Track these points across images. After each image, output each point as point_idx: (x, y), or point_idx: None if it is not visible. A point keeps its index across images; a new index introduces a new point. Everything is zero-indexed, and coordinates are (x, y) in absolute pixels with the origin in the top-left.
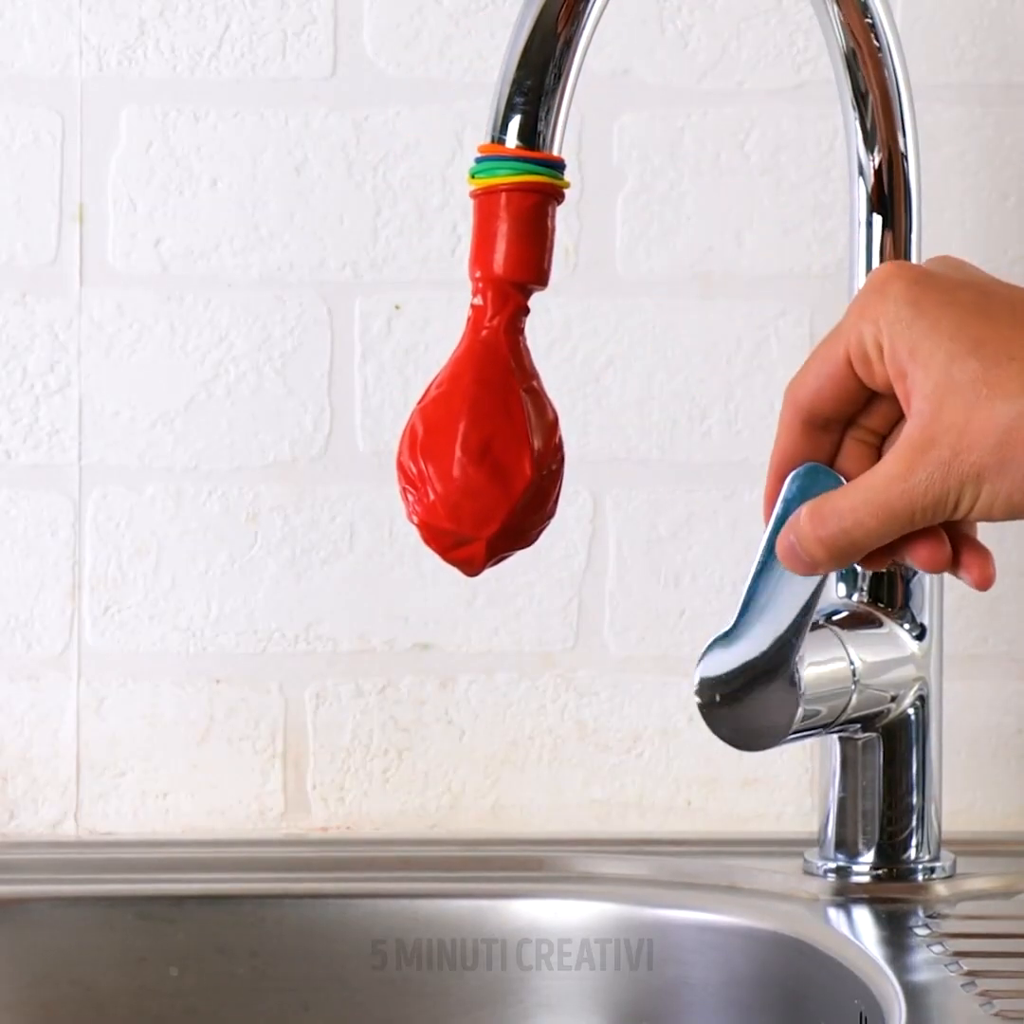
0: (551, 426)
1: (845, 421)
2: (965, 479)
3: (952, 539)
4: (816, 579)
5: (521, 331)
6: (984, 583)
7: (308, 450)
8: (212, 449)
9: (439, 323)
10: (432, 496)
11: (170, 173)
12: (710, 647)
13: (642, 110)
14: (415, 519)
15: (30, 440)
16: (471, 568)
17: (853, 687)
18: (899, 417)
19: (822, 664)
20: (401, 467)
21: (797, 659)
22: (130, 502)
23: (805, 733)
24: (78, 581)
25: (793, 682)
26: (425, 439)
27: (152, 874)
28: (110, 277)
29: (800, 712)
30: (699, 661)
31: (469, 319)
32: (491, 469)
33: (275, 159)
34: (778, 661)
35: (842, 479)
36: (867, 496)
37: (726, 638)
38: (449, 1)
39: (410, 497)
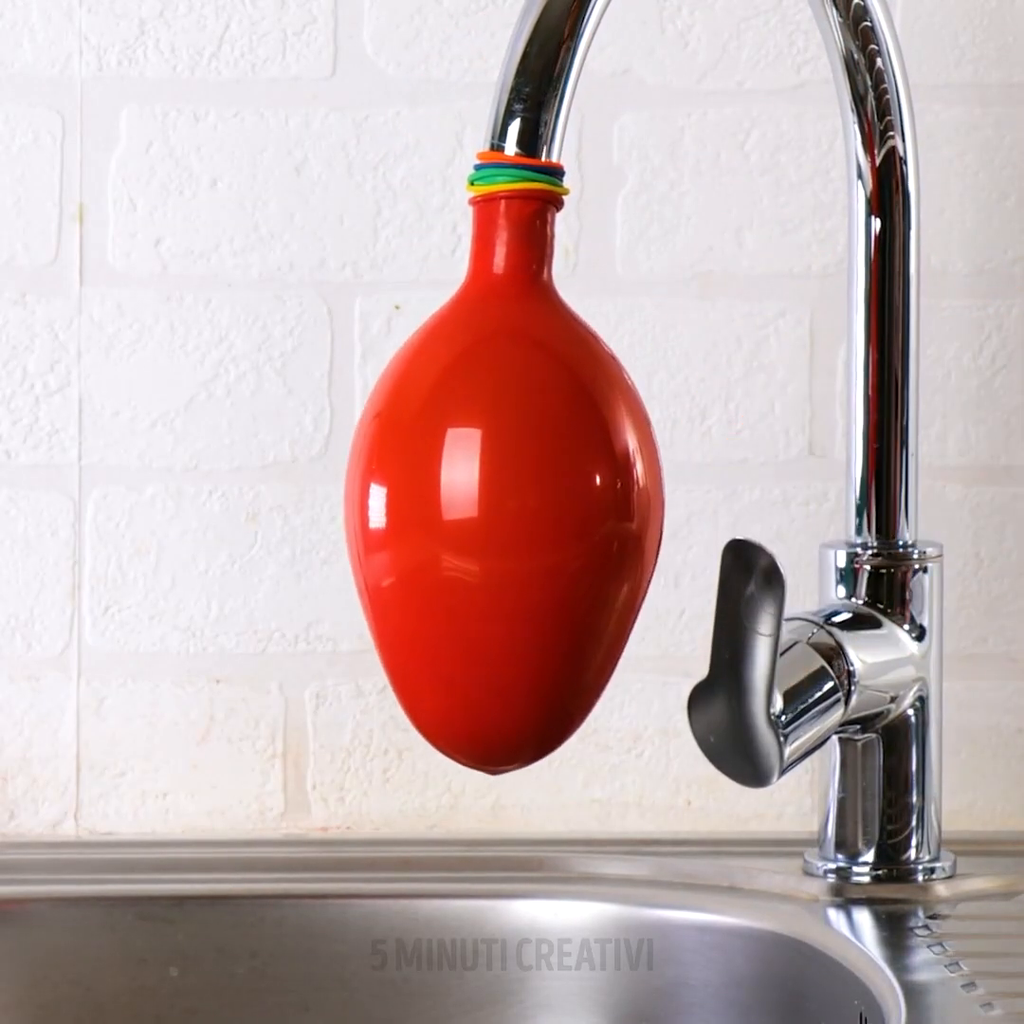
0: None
1: None
2: None
3: None
4: (773, 629)
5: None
6: None
7: (308, 450)
8: (212, 449)
9: None
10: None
11: (170, 173)
12: (693, 696)
13: (642, 110)
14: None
15: (30, 440)
16: None
17: (841, 705)
18: None
19: (806, 691)
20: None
21: (773, 708)
22: (130, 502)
23: (804, 757)
24: (78, 581)
25: (773, 726)
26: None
27: (152, 874)
28: (110, 277)
29: (787, 752)
30: (687, 708)
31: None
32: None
33: (275, 159)
34: (755, 710)
35: (768, 552)
36: None
37: (705, 688)
38: (449, 1)
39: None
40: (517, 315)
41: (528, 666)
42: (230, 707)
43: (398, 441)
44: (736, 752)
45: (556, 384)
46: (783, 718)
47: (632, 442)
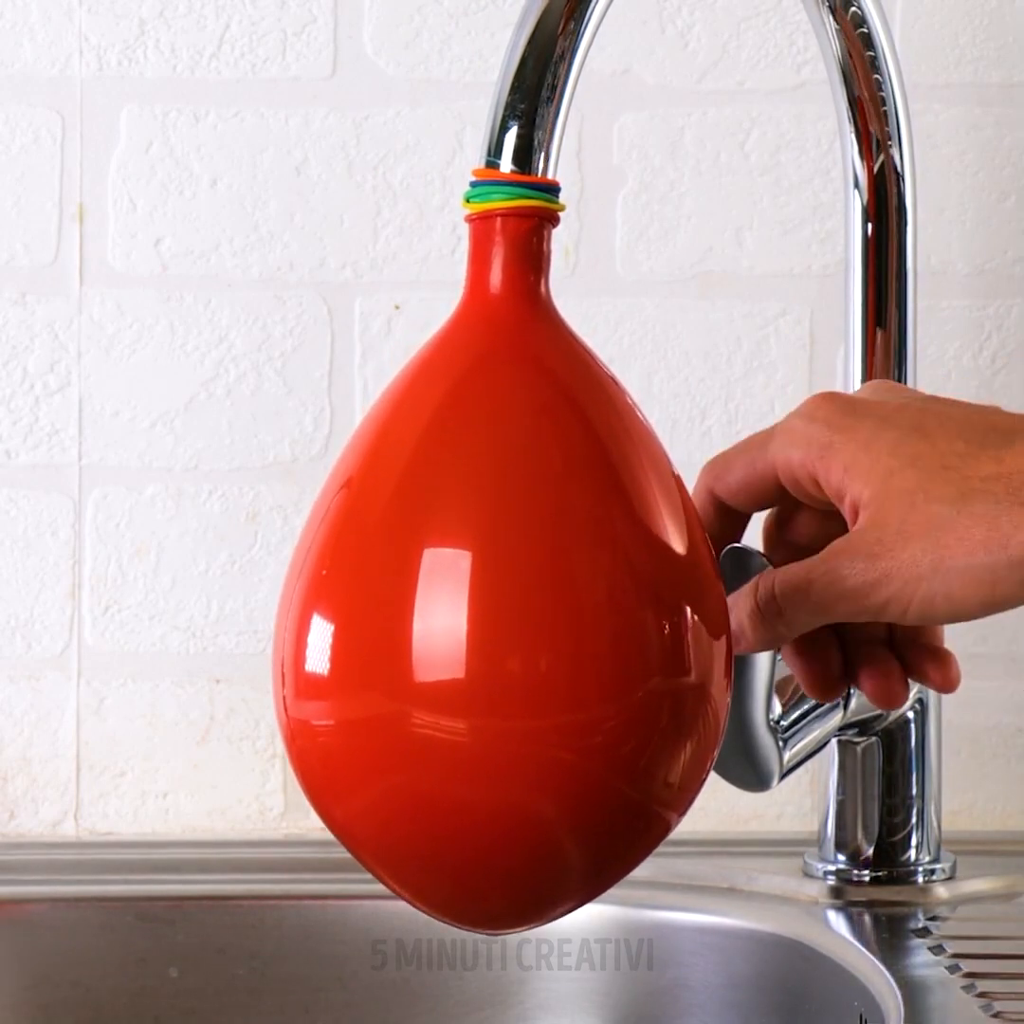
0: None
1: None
2: (903, 579)
3: (914, 655)
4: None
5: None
6: (947, 686)
7: (308, 450)
8: (212, 449)
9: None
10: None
11: (170, 173)
12: None
13: (642, 110)
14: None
15: (30, 440)
16: None
17: (840, 708)
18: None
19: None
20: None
21: (772, 713)
22: (130, 502)
23: (803, 762)
24: (78, 581)
25: (773, 730)
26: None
27: (152, 875)
28: (110, 277)
29: (786, 757)
30: None
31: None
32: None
33: (275, 159)
34: (754, 715)
35: (765, 558)
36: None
37: None
38: (449, 1)
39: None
40: (515, 337)
41: (527, 837)
42: (230, 707)
43: (361, 549)
44: (735, 757)
45: (571, 449)
46: (782, 723)
47: (681, 551)
